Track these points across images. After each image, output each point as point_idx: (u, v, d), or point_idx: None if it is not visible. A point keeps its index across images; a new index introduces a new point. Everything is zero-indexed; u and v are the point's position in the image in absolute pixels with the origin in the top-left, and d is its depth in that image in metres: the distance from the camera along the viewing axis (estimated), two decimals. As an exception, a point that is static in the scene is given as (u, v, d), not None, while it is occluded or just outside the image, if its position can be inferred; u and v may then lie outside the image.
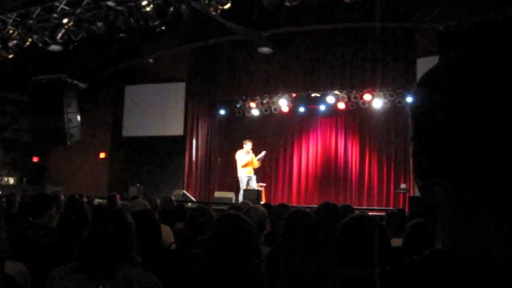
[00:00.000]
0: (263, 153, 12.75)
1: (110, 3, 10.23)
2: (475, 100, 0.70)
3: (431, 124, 0.75)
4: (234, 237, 2.41)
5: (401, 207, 10.54)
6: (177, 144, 14.40)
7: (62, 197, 7.57)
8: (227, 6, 9.39)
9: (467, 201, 0.72)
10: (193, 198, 13.02)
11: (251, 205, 5.78)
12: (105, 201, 9.20)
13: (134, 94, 14.96)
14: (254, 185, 12.48)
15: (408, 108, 0.83)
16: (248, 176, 12.39)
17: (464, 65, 0.74)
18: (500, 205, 0.70)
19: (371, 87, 12.97)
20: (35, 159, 15.56)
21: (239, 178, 12.48)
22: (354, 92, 13.68)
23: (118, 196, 8.28)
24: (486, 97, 0.70)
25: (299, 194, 15.20)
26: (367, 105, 13.88)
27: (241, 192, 12.12)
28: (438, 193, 0.76)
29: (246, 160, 12.31)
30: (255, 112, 15.39)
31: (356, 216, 2.68)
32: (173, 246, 4.14)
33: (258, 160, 12.56)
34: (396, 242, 4.06)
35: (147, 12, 9.96)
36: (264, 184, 13.35)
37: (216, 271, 2.36)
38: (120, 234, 2.39)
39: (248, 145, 12.41)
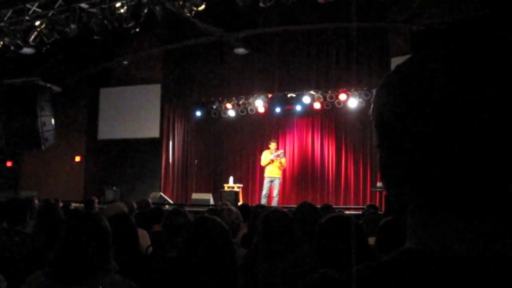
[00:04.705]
0: (278, 152, 12.56)
1: (83, 5, 10.12)
2: (434, 103, 0.69)
3: (392, 131, 0.74)
4: (206, 240, 2.41)
5: (377, 205, 10.62)
6: (153, 147, 14.33)
7: (36, 201, 7.45)
8: (202, 7, 9.37)
9: (435, 204, 0.72)
10: (170, 200, 12.96)
11: (229, 206, 5.77)
12: (82, 205, 9.09)
13: (109, 97, 14.82)
14: (276, 187, 12.32)
15: (370, 113, 0.81)
16: (270, 178, 12.24)
17: (422, 66, 0.73)
18: (468, 207, 0.70)
19: (346, 87, 13.04)
20: (8, 164, 15.30)
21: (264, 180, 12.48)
22: (329, 92, 13.74)
23: (96, 200, 8.16)
24: (446, 99, 0.68)
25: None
26: (342, 104, 13.94)
27: (263, 194, 12.08)
28: (406, 197, 0.75)
29: (267, 158, 12.25)
30: (231, 113, 15.35)
31: (334, 216, 2.66)
32: (150, 250, 4.12)
33: (277, 157, 12.27)
34: (373, 240, 4.09)
35: (120, 14, 9.88)
36: (241, 185, 13.34)
37: (191, 275, 2.36)
38: (96, 239, 2.36)
39: (272, 145, 12.43)
